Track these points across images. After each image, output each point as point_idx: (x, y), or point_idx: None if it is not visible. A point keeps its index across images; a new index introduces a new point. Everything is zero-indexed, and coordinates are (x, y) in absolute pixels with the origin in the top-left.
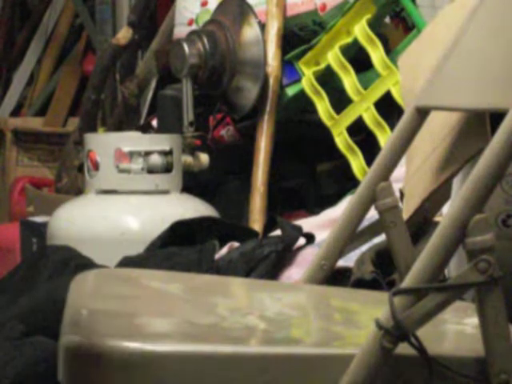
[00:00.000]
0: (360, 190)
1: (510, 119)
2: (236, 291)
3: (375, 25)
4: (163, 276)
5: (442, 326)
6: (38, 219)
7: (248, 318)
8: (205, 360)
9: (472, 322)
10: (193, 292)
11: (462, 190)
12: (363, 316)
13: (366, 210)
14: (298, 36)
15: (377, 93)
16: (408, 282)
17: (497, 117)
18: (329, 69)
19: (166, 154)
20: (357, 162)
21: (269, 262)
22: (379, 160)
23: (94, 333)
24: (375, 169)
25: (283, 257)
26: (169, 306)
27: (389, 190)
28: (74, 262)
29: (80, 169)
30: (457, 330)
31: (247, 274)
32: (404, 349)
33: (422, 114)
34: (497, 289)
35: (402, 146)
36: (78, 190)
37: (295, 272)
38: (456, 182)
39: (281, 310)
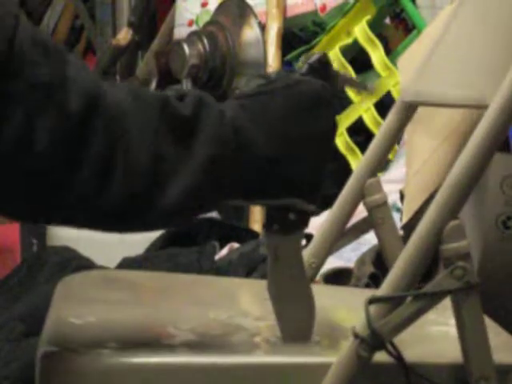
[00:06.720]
0: (348, 186)
1: (486, 119)
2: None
3: (375, 26)
4: (157, 278)
5: (426, 327)
6: None
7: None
8: (185, 371)
9: None
10: (191, 293)
11: (437, 196)
12: (352, 319)
13: (354, 207)
14: (298, 37)
15: (377, 93)
16: (384, 289)
17: None
18: None
19: None
20: (357, 163)
21: None
22: (367, 156)
23: (71, 344)
24: (363, 165)
25: None
26: (157, 311)
27: (377, 187)
28: (74, 263)
29: None
30: (440, 332)
31: (247, 274)
32: (383, 356)
33: (409, 108)
34: (474, 295)
35: (389, 141)
36: None
37: None
38: None
39: None
